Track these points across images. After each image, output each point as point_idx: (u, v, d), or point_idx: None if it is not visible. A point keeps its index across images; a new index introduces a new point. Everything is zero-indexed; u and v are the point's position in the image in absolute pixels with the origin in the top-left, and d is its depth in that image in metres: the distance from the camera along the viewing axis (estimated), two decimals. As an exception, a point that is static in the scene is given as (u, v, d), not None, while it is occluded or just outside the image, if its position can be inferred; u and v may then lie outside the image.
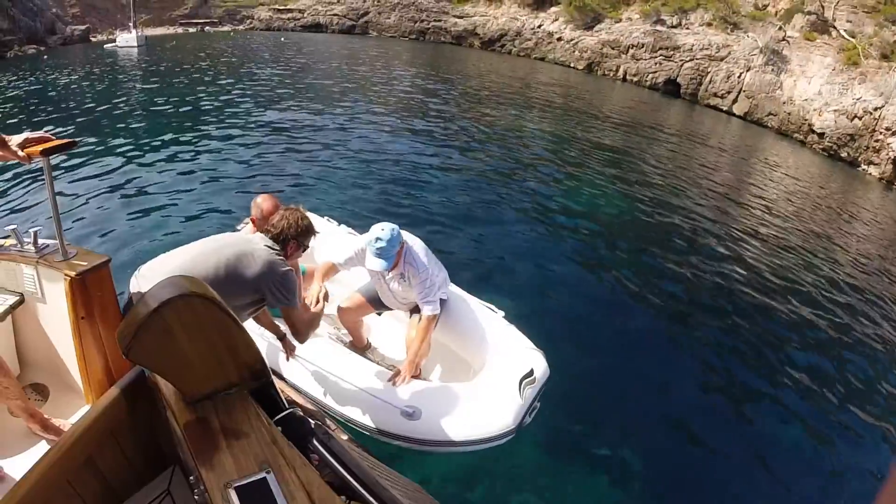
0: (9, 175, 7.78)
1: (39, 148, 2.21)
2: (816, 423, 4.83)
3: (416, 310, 3.63)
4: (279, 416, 1.28)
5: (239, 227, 3.63)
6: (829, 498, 4.12)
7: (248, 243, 2.66)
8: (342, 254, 3.56)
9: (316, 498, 1.12)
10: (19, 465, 2.25)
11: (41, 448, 2.35)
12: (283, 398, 1.36)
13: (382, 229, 3.29)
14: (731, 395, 5.04)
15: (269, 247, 2.65)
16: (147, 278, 2.56)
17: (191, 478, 1.28)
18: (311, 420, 1.33)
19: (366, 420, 3.14)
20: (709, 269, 7.37)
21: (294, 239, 2.75)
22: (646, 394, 4.77)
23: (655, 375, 5.03)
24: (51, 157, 2.28)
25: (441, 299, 3.61)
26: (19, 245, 2.55)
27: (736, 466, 4.19)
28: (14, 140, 2.19)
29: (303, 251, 2.90)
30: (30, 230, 2.52)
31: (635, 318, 5.95)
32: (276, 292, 2.60)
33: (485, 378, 3.40)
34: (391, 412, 3.09)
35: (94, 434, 1.42)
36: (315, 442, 1.29)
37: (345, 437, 2.55)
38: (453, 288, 4.00)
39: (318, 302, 3.28)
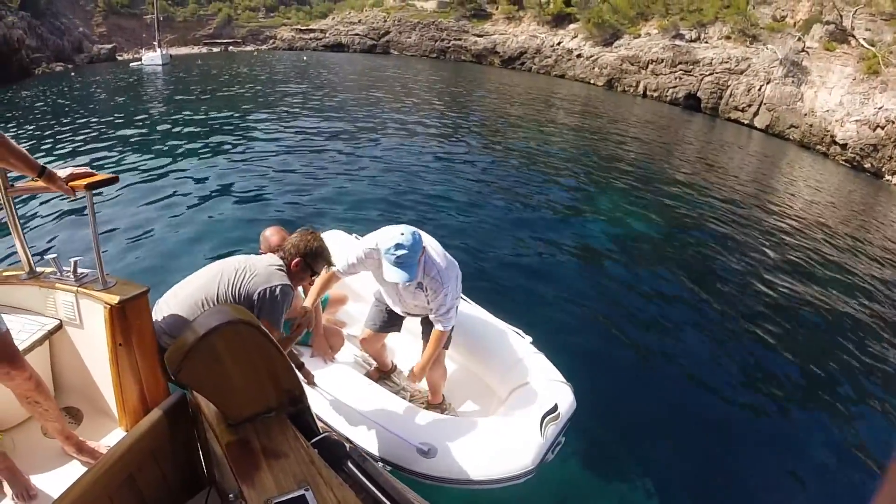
0: (39, 206, 7.98)
1: (84, 182, 2.31)
2: (862, 438, 4.71)
3: (427, 321, 3.45)
4: (315, 438, 1.33)
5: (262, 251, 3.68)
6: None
7: (252, 259, 2.77)
8: (342, 259, 3.20)
9: None
10: (52, 485, 2.32)
11: (74, 468, 2.42)
12: (316, 423, 1.41)
13: (402, 234, 2.87)
14: (772, 421, 4.90)
15: (271, 263, 2.73)
16: (164, 309, 2.70)
17: (230, 495, 1.33)
18: (345, 443, 1.38)
19: (382, 454, 3.09)
20: (737, 287, 7.29)
21: (301, 257, 2.80)
22: (677, 423, 4.65)
23: (687, 403, 4.92)
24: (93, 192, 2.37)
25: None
26: (59, 273, 2.64)
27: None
28: (60, 174, 2.30)
29: (311, 275, 2.93)
30: (69, 259, 2.62)
31: (664, 341, 5.84)
32: (261, 303, 2.62)
33: (506, 413, 3.34)
34: (407, 448, 3.02)
35: (135, 453, 1.48)
36: (350, 464, 1.33)
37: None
38: (480, 311, 3.94)
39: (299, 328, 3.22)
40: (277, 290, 2.64)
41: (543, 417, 3.19)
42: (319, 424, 3.02)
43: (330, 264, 2.97)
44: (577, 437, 3.72)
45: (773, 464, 4.33)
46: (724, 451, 4.42)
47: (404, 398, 3.57)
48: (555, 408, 3.27)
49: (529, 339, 3.90)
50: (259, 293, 2.61)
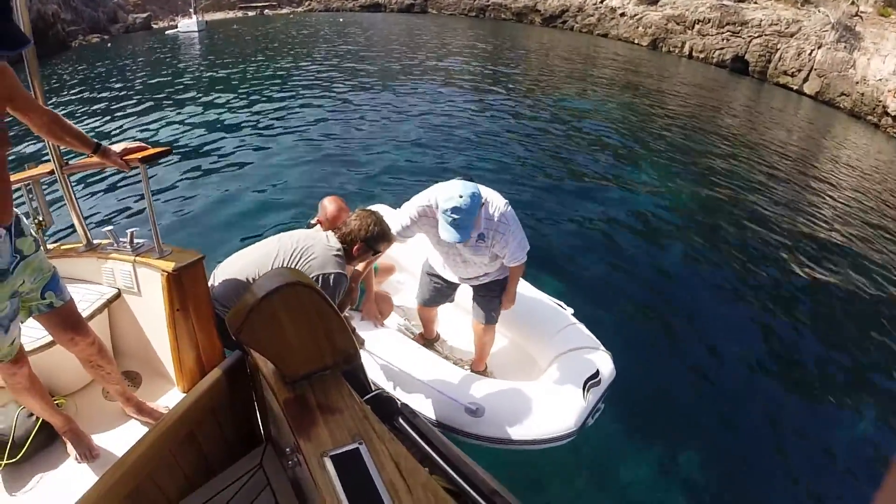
0: (94, 181, 8.21)
1: (139, 156, 2.40)
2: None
3: (481, 290, 3.47)
4: (368, 395, 1.39)
5: (313, 221, 3.74)
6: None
7: (311, 240, 2.74)
8: (396, 222, 3.08)
9: (403, 468, 1.22)
10: (114, 444, 2.43)
11: (134, 429, 2.53)
12: (369, 381, 1.46)
13: (461, 195, 2.71)
14: (814, 399, 4.83)
15: (330, 246, 2.71)
16: (220, 277, 2.76)
17: (287, 449, 1.40)
18: (396, 400, 1.43)
19: (430, 413, 3.19)
20: (781, 263, 7.11)
21: (363, 242, 2.78)
22: (711, 395, 4.63)
23: (722, 377, 4.87)
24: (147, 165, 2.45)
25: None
26: (115, 244, 2.76)
27: (811, 472, 4.06)
28: (115, 149, 2.39)
29: (373, 255, 2.94)
30: (126, 230, 2.72)
31: (702, 315, 5.75)
32: None
33: (549, 378, 3.40)
34: (456, 408, 3.13)
35: (196, 411, 1.56)
36: (401, 420, 1.39)
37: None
38: (522, 284, 3.94)
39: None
40: (331, 277, 2.62)
41: (586, 382, 3.27)
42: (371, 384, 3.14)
43: (390, 241, 2.94)
44: (615, 405, 3.74)
45: (809, 444, 4.31)
46: (758, 428, 4.39)
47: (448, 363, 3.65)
48: (596, 373, 3.35)
49: (571, 310, 3.96)
50: (313, 278, 2.57)
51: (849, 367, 5.25)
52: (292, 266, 2.62)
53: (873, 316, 6.21)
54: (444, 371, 3.41)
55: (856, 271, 7.25)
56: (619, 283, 6.02)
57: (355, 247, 2.79)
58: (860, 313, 6.23)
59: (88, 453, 2.33)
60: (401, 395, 3.28)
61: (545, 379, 3.42)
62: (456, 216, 2.72)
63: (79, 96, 14.81)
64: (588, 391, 3.25)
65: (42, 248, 2.10)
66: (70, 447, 2.35)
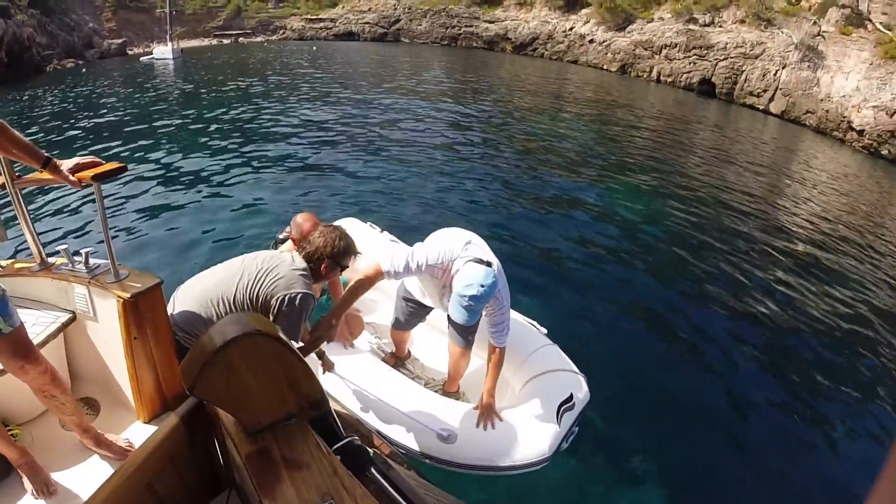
0: (54, 196, 7.99)
1: (91, 173, 2.25)
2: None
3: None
4: (338, 444, 1.29)
5: (281, 236, 3.62)
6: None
7: (276, 260, 2.65)
8: (392, 262, 2.98)
9: None
10: (71, 479, 2.33)
11: (93, 462, 2.42)
12: (340, 426, 1.37)
13: (482, 285, 2.69)
14: (795, 420, 4.83)
15: (296, 267, 2.62)
16: (181, 301, 2.64)
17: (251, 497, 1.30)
18: (368, 448, 1.34)
19: (402, 440, 3.14)
20: (753, 278, 7.18)
21: (329, 258, 2.70)
22: (688, 417, 4.63)
23: (703, 397, 4.89)
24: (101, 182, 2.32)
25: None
26: (70, 265, 2.61)
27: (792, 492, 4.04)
28: (65, 165, 2.23)
29: (340, 271, 2.86)
30: (80, 250, 2.58)
31: (676, 334, 5.80)
32: (279, 309, 2.52)
33: (523, 402, 3.36)
34: (427, 434, 3.08)
35: (154, 461, 1.45)
36: (373, 471, 1.30)
37: (402, 465, 2.55)
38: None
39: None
40: (298, 298, 2.52)
41: (560, 406, 3.25)
42: (340, 410, 3.03)
43: (356, 254, 2.87)
44: (589, 427, 3.77)
45: (786, 463, 4.29)
46: (735, 445, 4.40)
47: (420, 385, 3.59)
48: (570, 397, 3.33)
49: (545, 330, 3.94)
50: (278, 299, 2.50)
51: (830, 387, 5.28)
52: (257, 287, 2.53)
53: (844, 329, 6.29)
54: (416, 395, 3.35)
55: (830, 280, 7.40)
56: (593, 303, 6.02)
57: (322, 265, 2.71)
58: (832, 327, 6.28)
59: (45, 489, 2.23)
60: (371, 420, 3.25)
61: (519, 403, 3.38)
62: (472, 303, 2.72)
63: (49, 121, 14.85)
64: (562, 415, 3.23)
65: None
66: (26, 481, 2.23)
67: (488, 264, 2.81)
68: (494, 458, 3.02)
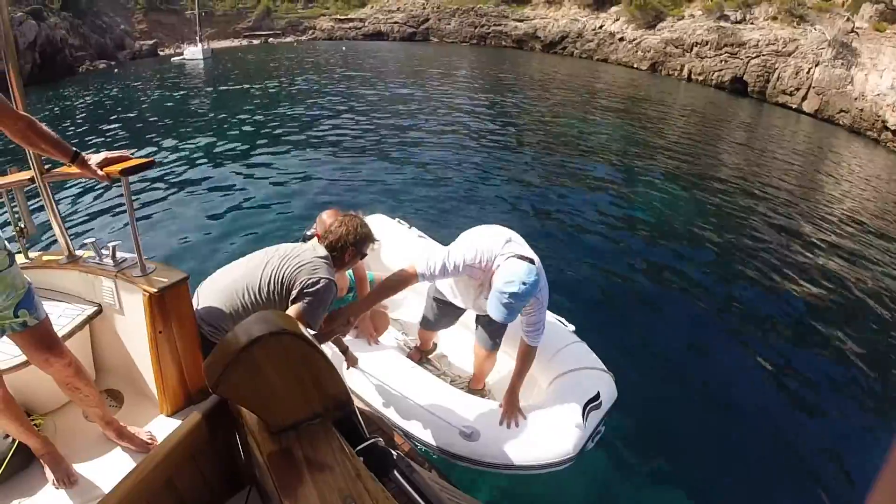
0: (81, 190, 8.12)
1: (119, 167, 2.26)
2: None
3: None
4: (361, 446, 1.26)
5: (308, 233, 3.61)
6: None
7: (299, 249, 2.65)
8: (428, 263, 2.88)
9: None
10: (93, 470, 2.35)
11: (115, 454, 2.44)
12: (364, 427, 1.34)
13: (524, 282, 2.59)
14: (823, 417, 4.72)
15: (318, 254, 2.61)
16: (205, 295, 2.62)
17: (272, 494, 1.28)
18: (392, 451, 1.31)
19: (424, 437, 3.11)
20: (784, 281, 6.99)
21: (352, 246, 2.69)
22: (715, 418, 4.52)
23: (737, 398, 4.76)
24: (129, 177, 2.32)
25: None
26: (98, 258, 2.63)
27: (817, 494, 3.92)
28: (94, 159, 2.24)
29: (360, 258, 2.84)
30: (108, 244, 2.59)
31: (706, 336, 5.67)
32: (301, 294, 2.48)
33: (549, 400, 3.30)
34: (450, 431, 3.04)
35: (175, 458, 1.44)
36: (397, 474, 1.26)
37: (423, 464, 2.52)
38: None
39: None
40: (321, 283, 2.49)
41: (586, 405, 3.17)
42: (363, 407, 3.00)
43: (374, 241, 2.83)
44: (616, 427, 3.68)
45: (815, 464, 4.19)
46: (772, 449, 4.27)
47: (445, 382, 3.55)
48: (597, 396, 3.26)
49: (572, 327, 3.86)
50: (302, 283, 2.48)
51: (864, 388, 5.13)
52: (281, 272, 2.52)
53: (877, 332, 6.11)
54: (440, 392, 3.32)
55: (857, 288, 7.14)
56: (623, 302, 5.94)
57: (346, 252, 2.69)
58: (865, 330, 6.11)
59: (67, 479, 2.25)
60: (394, 417, 3.22)
61: (544, 400, 3.33)
62: (512, 300, 2.61)
63: (82, 120, 15.16)
64: (588, 414, 3.16)
65: (18, 260, 1.98)
66: (48, 471, 2.26)
67: (531, 261, 2.70)
68: (517, 456, 2.96)
